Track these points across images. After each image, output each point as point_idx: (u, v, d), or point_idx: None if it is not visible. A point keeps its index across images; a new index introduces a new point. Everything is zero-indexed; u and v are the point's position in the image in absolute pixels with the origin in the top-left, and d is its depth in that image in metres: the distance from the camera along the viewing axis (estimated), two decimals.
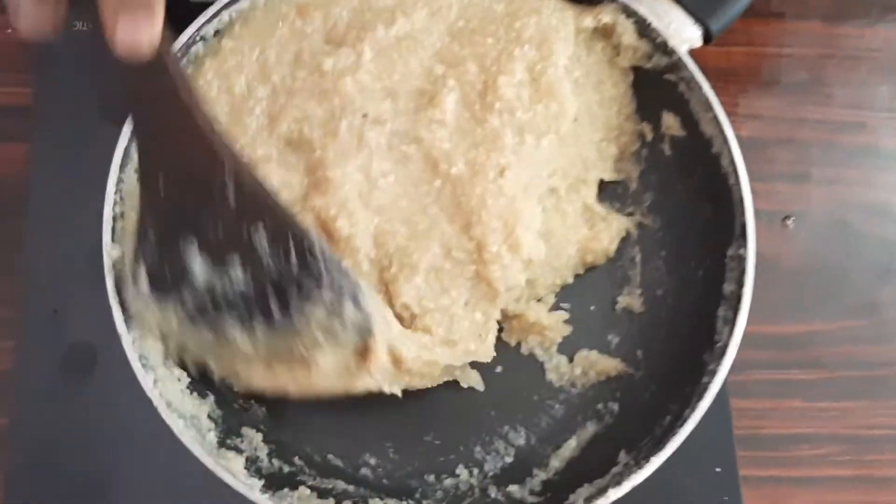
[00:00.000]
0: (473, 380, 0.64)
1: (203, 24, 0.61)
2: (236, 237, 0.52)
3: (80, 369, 0.66)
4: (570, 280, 0.67)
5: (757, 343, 0.69)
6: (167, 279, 0.53)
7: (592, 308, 0.67)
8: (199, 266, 0.52)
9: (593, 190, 0.68)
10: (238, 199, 0.51)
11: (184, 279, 0.52)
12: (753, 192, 0.71)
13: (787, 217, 0.75)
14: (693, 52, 0.65)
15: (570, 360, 0.65)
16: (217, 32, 0.63)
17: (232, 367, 0.57)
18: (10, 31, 0.74)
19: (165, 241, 0.52)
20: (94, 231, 0.60)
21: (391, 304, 0.60)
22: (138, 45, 0.39)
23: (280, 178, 0.60)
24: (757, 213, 0.70)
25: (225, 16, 0.63)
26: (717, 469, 0.66)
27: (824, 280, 0.74)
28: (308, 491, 0.58)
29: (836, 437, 0.70)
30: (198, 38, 0.62)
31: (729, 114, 0.72)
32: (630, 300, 0.68)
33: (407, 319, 0.60)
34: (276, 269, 0.53)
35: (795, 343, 0.72)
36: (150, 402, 0.54)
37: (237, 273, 0.52)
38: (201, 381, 0.59)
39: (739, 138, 0.72)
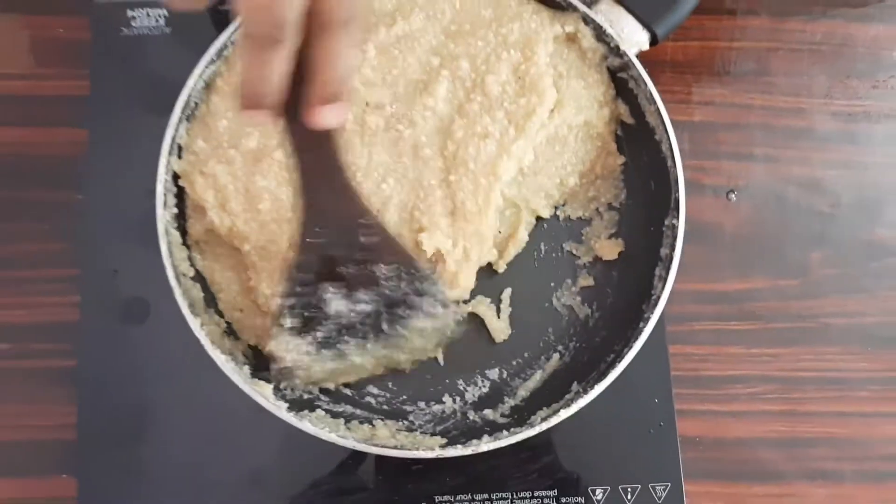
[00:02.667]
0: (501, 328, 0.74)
1: (234, 31, 0.68)
2: (364, 275, 0.62)
3: (136, 320, 0.73)
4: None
5: (702, 299, 0.78)
6: (305, 318, 0.63)
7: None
8: (332, 304, 0.62)
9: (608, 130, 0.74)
10: (368, 245, 0.61)
11: (318, 316, 0.62)
12: (703, 169, 0.81)
13: (731, 191, 0.81)
14: (653, 48, 0.72)
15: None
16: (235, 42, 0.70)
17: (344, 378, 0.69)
18: (61, 30, 0.82)
19: (308, 292, 0.62)
20: (144, 203, 0.69)
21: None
22: (331, 125, 0.50)
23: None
24: (705, 187, 0.81)
25: None
26: (656, 400, 0.73)
27: (762, 245, 0.80)
28: (323, 413, 0.68)
29: (767, 377, 0.77)
30: (230, 41, 0.69)
31: (683, 101, 0.83)
32: (588, 261, 0.76)
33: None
34: (390, 293, 0.63)
35: (735, 299, 0.79)
36: (192, 345, 0.64)
37: (361, 304, 0.63)
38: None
39: (693, 122, 0.83)
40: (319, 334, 0.63)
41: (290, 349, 0.63)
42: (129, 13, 0.80)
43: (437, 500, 0.71)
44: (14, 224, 0.78)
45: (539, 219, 0.76)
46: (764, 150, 0.83)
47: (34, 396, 0.74)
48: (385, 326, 0.64)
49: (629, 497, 0.72)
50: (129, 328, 0.74)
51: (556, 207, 0.77)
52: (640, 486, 0.72)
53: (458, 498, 0.71)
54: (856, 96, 0.85)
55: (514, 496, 0.71)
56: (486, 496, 0.71)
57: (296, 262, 0.61)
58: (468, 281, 0.70)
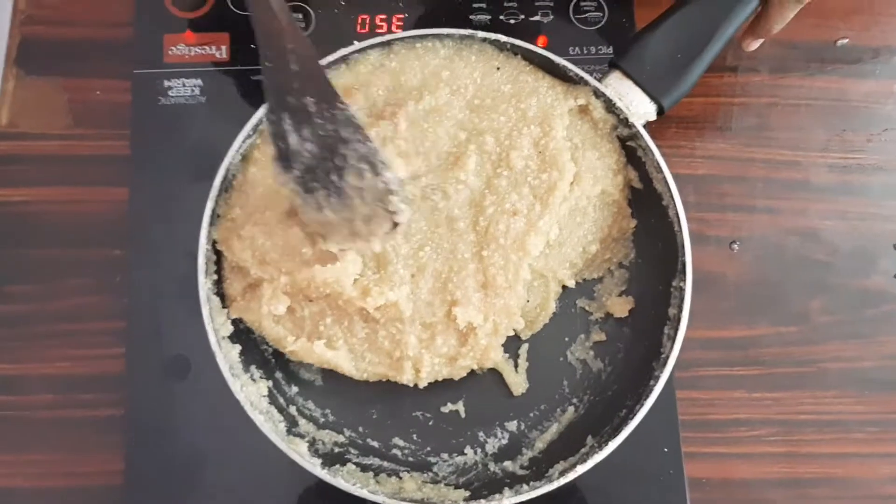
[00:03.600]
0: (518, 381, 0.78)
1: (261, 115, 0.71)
2: (302, 108, 0.62)
3: (177, 375, 0.77)
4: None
5: (707, 345, 0.81)
6: (282, 151, 0.63)
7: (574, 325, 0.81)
8: (291, 138, 0.62)
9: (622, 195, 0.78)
10: (298, 73, 0.60)
11: (288, 150, 0.62)
12: (707, 220, 0.85)
13: (734, 241, 0.84)
14: None
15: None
16: None
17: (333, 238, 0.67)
18: (98, 93, 0.87)
19: (277, 122, 0.62)
20: (184, 266, 0.75)
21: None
22: None
23: None
24: (708, 238, 0.84)
25: None
26: (665, 449, 0.76)
27: (763, 293, 0.83)
28: (353, 466, 0.71)
29: (770, 421, 0.80)
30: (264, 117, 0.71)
31: (688, 155, 0.87)
32: (600, 317, 0.80)
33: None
34: (324, 135, 0.62)
35: (738, 345, 0.82)
36: (231, 401, 0.68)
37: (307, 142, 0.62)
38: (275, 389, 0.75)
39: (697, 176, 0.86)
40: (295, 172, 0.63)
41: (281, 182, 0.64)
42: (166, 83, 0.84)
43: None
44: (58, 280, 0.82)
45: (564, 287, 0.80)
46: (765, 202, 0.86)
47: (81, 445, 0.78)
48: (334, 178, 0.63)
49: None
50: (172, 383, 0.77)
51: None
52: None
53: None
54: (851, 149, 0.88)
55: None
56: None
57: (264, 88, 0.63)
58: (497, 354, 0.74)
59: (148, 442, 0.76)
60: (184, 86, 0.85)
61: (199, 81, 0.85)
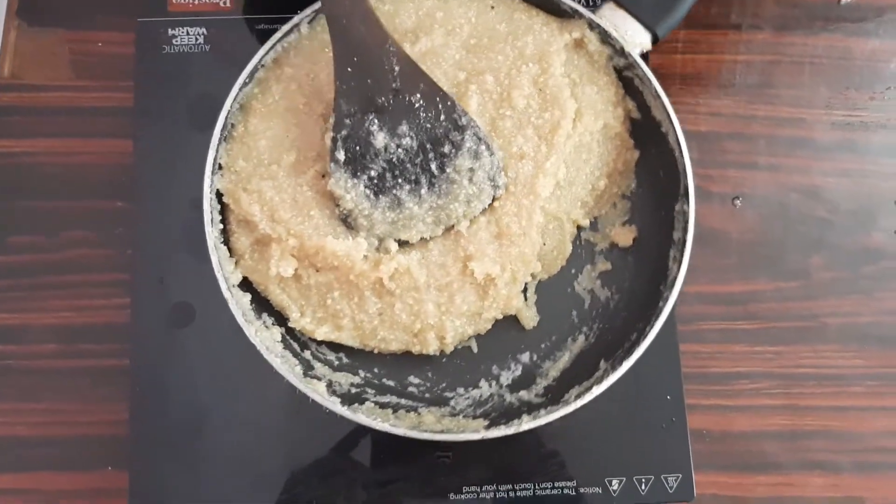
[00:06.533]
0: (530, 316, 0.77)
1: (263, 56, 0.72)
2: (402, 106, 0.66)
3: (182, 323, 0.77)
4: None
5: (708, 300, 0.82)
6: (357, 154, 0.67)
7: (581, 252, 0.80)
8: (379, 137, 0.66)
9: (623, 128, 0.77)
10: (400, 73, 0.65)
11: (368, 151, 0.66)
12: (709, 177, 0.85)
13: (736, 197, 0.85)
14: (663, 60, 0.80)
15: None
16: (275, 61, 0.74)
17: (406, 233, 0.70)
18: (100, 44, 0.86)
19: (355, 123, 0.66)
20: (189, 215, 0.75)
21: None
22: None
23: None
24: (710, 193, 0.84)
25: (279, 47, 0.73)
26: (668, 397, 0.77)
27: (765, 250, 0.84)
28: (372, 405, 0.72)
29: (770, 374, 0.81)
30: (260, 65, 0.73)
31: (691, 112, 0.86)
32: (605, 247, 0.80)
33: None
34: (431, 126, 0.67)
35: (740, 300, 0.82)
36: (236, 346, 0.68)
37: (405, 137, 0.66)
38: (288, 335, 0.74)
39: (700, 132, 0.86)
40: (373, 172, 0.67)
41: (347, 188, 0.68)
42: (171, 31, 0.84)
43: (464, 490, 0.75)
44: (61, 231, 0.82)
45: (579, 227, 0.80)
46: (767, 159, 0.87)
47: (86, 394, 0.78)
48: (434, 167, 0.68)
49: (643, 487, 0.76)
50: (176, 331, 0.77)
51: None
52: (653, 477, 0.76)
53: (483, 488, 0.76)
54: (854, 107, 0.89)
55: (537, 486, 0.76)
56: (509, 486, 0.76)
57: (339, 92, 0.66)
58: (519, 301, 0.74)
59: (152, 391, 0.76)
60: (188, 34, 0.84)
61: (203, 30, 0.84)
